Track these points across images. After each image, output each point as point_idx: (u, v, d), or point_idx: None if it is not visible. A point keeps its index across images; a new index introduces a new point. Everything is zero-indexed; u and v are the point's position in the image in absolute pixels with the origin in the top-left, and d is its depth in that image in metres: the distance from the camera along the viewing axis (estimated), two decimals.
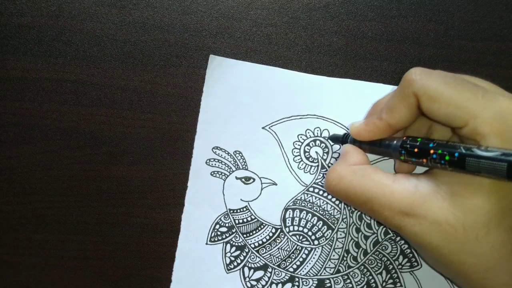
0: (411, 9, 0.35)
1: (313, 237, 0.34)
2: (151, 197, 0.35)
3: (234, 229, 0.34)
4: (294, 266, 0.34)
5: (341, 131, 0.34)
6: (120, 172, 0.35)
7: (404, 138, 0.27)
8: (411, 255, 0.34)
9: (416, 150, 0.25)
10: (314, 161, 0.34)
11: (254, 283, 0.34)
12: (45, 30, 0.35)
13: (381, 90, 0.35)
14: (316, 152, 0.34)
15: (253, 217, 0.34)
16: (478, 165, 0.22)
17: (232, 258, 0.34)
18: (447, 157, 0.23)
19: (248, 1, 0.35)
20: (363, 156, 0.29)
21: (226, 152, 0.34)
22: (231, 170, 0.34)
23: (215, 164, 0.34)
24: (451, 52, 0.35)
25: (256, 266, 0.34)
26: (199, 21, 0.35)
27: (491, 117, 0.23)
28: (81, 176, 0.35)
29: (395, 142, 0.27)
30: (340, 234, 0.34)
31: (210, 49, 0.35)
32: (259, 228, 0.34)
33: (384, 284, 0.33)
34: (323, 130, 0.34)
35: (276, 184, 0.34)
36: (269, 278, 0.34)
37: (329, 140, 0.34)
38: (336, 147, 0.34)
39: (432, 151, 0.24)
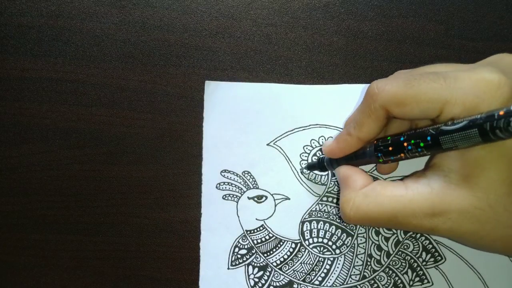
0: (411, 9, 0.35)
1: (334, 247, 0.34)
2: (151, 197, 0.35)
3: (254, 250, 0.34)
4: (320, 279, 0.34)
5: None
6: (119, 172, 0.35)
7: (375, 142, 0.28)
8: (433, 250, 0.33)
9: (390, 148, 0.26)
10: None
11: None
12: (45, 30, 0.35)
13: None
14: None
15: (271, 235, 0.34)
16: (453, 140, 0.23)
17: (256, 280, 0.34)
18: (421, 144, 0.24)
19: (248, 0, 0.35)
20: (365, 176, 0.29)
21: (235, 174, 0.34)
22: (242, 191, 0.34)
23: (225, 187, 0.34)
24: (451, 52, 0.35)
25: (281, 284, 0.34)
26: (199, 21, 0.35)
27: (460, 96, 0.23)
28: (81, 176, 0.35)
29: (368, 149, 0.28)
30: (361, 240, 0.34)
31: (210, 49, 0.35)
32: (279, 245, 0.34)
33: (411, 283, 0.33)
34: (328, 138, 0.34)
35: (289, 199, 0.34)
36: None
37: (304, 171, 0.34)
38: None
39: (405, 144, 0.25)
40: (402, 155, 0.26)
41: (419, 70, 0.27)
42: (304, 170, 0.34)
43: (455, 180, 0.24)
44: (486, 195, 0.23)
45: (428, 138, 0.24)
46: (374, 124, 0.27)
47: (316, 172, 0.34)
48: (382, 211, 0.26)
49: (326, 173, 0.34)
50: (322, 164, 0.32)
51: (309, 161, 0.34)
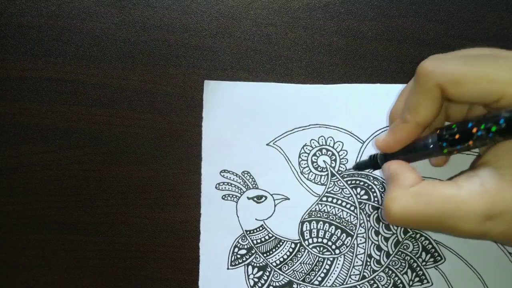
0: (411, 9, 0.35)
1: (333, 247, 0.34)
2: (151, 197, 0.35)
3: (254, 250, 0.34)
4: (319, 279, 0.34)
5: (345, 139, 0.34)
6: (119, 172, 0.35)
7: (438, 131, 0.25)
8: (433, 250, 0.33)
9: (457, 136, 0.24)
10: (323, 170, 0.34)
11: None
12: (45, 30, 0.35)
13: (379, 91, 0.34)
14: (324, 161, 0.34)
15: (270, 235, 0.34)
16: None
17: (256, 280, 0.34)
18: (493, 128, 0.22)
19: (248, 0, 0.35)
20: (415, 173, 0.26)
21: (235, 174, 0.34)
22: (241, 191, 0.34)
23: (225, 188, 0.34)
24: (451, 52, 0.35)
25: (280, 284, 0.34)
26: (199, 21, 0.35)
27: None
28: (81, 176, 0.35)
29: (430, 139, 0.26)
30: (360, 240, 0.34)
31: (209, 49, 0.35)
32: (278, 245, 0.34)
33: (411, 283, 0.33)
34: (328, 138, 0.34)
35: (288, 199, 0.34)
36: None
37: (353, 170, 0.33)
38: (342, 152, 0.34)
39: (475, 130, 0.23)
40: (471, 143, 0.23)
41: (470, 51, 0.25)
42: (351, 170, 0.33)
43: (509, 177, 0.23)
44: None
45: (501, 121, 0.22)
46: (431, 105, 0.25)
47: (365, 172, 0.33)
48: (431, 212, 0.24)
49: (379, 170, 0.32)
50: (375, 161, 0.30)
51: (309, 161, 0.34)
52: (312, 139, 0.34)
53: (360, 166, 0.32)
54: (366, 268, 0.33)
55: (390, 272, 0.33)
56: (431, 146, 0.25)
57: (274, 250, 0.34)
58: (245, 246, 0.34)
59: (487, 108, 0.26)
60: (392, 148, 0.28)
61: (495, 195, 0.23)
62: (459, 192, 0.23)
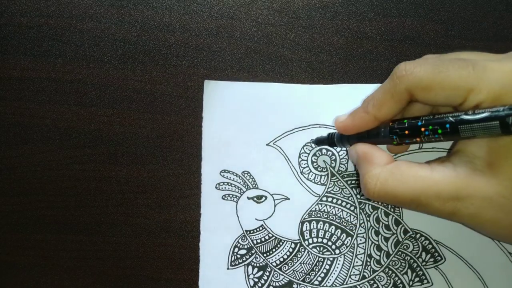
0: (411, 9, 0.35)
1: (333, 247, 0.34)
2: (151, 197, 0.35)
3: (254, 250, 0.34)
4: (319, 279, 0.34)
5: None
6: (119, 172, 0.35)
7: (391, 123, 0.27)
8: (433, 250, 0.33)
9: (406, 132, 0.26)
10: (323, 170, 0.34)
11: None
12: (45, 30, 0.35)
13: None
14: (324, 161, 0.34)
15: (270, 235, 0.34)
16: (472, 129, 0.23)
17: (256, 280, 0.34)
18: (439, 131, 0.24)
19: (248, 0, 0.35)
20: (387, 153, 0.28)
21: (235, 174, 0.34)
22: (241, 191, 0.34)
23: (225, 188, 0.34)
24: (451, 52, 0.35)
25: (280, 284, 0.34)
26: (199, 21, 0.35)
27: (486, 86, 0.23)
28: (81, 176, 0.35)
29: (383, 129, 0.28)
30: (360, 240, 0.34)
31: (209, 49, 0.35)
32: (278, 245, 0.34)
33: (411, 283, 0.33)
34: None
35: (288, 199, 0.34)
36: None
37: (313, 144, 0.34)
38: (343, 153, 0.34)
39: (423, 129, 0.25)
40: (418, 139, 0.26)
41: (448, 56, 0.27)
42: (312, 145, 0.34)
43: (481, 166, 0.24)
44: (511, 183, 0.23)
45: (447, 126, 0.24)
46: (395, 105, 0.27)
47: (323, 147, 0.34)
48: (406, 189, 0.26)
49: (332, 148, 0.34)
50: (332, 140, 0.31)
51: (309, 161, 0.34)
52: (312, 139, 0.34)
53: (318, 141, 0.33)
54: (366, 268, 0.33)
55: (390, 272, 0.33)
56: (383, 136, 0.28)
57: (274, 250, 0.34)
58: (245, 246, 0.34)
59: (453, 108, 0.27)
60: (348, 131, 0.29)
61: (465, 179, 0.24)
62: (432, 174, 0.25)
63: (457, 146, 0.26)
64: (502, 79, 0.23)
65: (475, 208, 0.24)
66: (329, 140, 0.32)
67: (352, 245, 0.34)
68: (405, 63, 0.26)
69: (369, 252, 0.34)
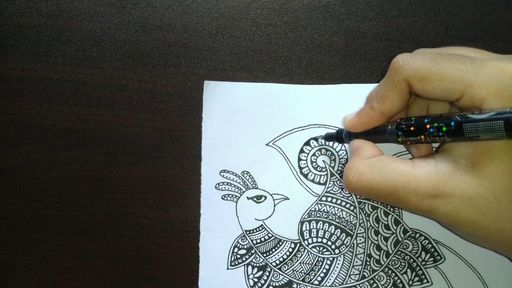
0: (411, 9, 0.35)
1: (333, 246, 0.34)
2: (151, 197, 0.35)
3: (253, 250, 0.34)
4: (319, 279, 0.34)
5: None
6: (119, 172, 0.35)
7: (398, 120, 0.27)
8: (433, 249, 0.33)
9: (412, 128, 0.26)
10: (323, 170, 0.34)
11: None
12: (45, 30, 0.35)
13: None
14: (323, 161, 0.34)
15: (270, 235, 0.34)
16: (476, 129, 0.22)
17: (256, 280, 0.34)
18: (444, 128, 0.24)
19: (248, 0, 0.35)
20: (376, 148, 0.28)
21: (234, 174, 0.34)
22: (241, 191, 0.34)
23: (224, 188, 0.34)
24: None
25: (280, 284, 0.34)
26: (199, 21, 0.35)
27: (485, 80, 0.23)
28: (81, 176, 0.35)
29: (389, 126, 0.28)
30: (360, 239, 0.34)
31: (209, 49, 0.35)
32: (278, 245, 0.34)
33: (410, 283, 0.33)
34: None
35: (288, 199, 0.34)
36: None
37: (323, 140, 0.34)
38: (342, 152, 0.34)
39: (428, 126, 0.25)
40: (423, 137, 0.25)
41: (446, 50, 0.27)
42: (321, 140, 0.34)
43: (463, 165, 0.24)
44: (492, 184, 0.23)
45: (452, 123, 0.23)
46: (397, 97, 0.26)
47: (322, 147, 0.34)
48: (384, 182, 0.26)
49: (332, 149, 0.34)
50: (341, 136, 0.32)
51: (309, 161, 0.34)
52: (311, 139, 0.34)
53: (328, 137, 0.33)
54: (366, 267, 0.33)
55: (390, 271, 0.33)
56: (389, 132, 0.27)
57: (273, 250, 0.34)
58: (245, 246, 0.34)
59: (452, 105, 0.27)
60: (356, 129, 0.29)
61: (446, 177, 0.24)
62: (413, 169, 0.25)
63: (444, 146, 0.26)
64: (500, 74, 0.23)
65: (453, 206, 0.24)
66: (337, 136, 0.32)
67: (352, 245, 0.34)
68: (401, 55, 0.26)
69: (368, 252, 0.34)
